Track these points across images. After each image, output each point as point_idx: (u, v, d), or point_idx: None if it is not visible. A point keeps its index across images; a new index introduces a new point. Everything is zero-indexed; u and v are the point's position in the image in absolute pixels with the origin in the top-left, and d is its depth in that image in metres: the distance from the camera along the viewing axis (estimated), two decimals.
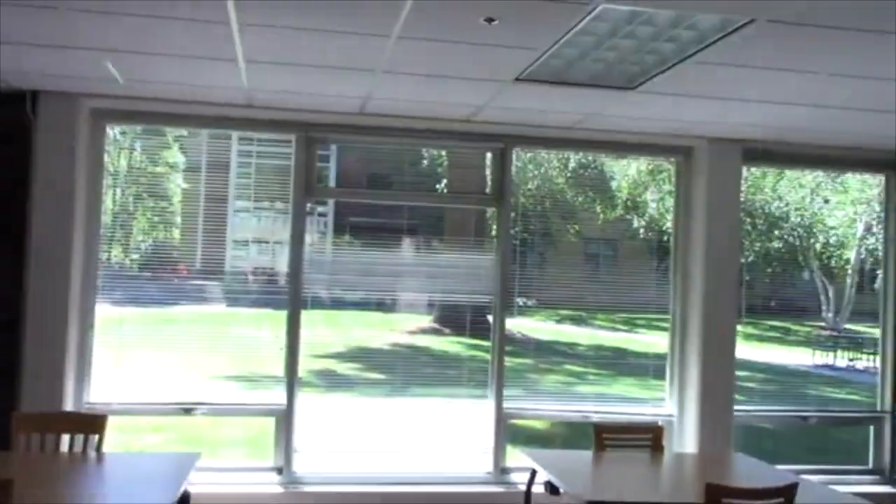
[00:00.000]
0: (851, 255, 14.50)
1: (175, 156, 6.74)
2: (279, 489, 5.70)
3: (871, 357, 10.72)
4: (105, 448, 4.72)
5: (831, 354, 13.70)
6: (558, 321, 7.88)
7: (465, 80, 4.65)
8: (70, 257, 5.38)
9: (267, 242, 6.86)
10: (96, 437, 4.69)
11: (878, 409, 6.59)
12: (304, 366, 5.98)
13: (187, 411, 5.79)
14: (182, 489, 3.94)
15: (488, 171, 6.37)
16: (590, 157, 7.64)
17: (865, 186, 12.53)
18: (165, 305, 6.14)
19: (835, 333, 14.66)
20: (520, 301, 6.49)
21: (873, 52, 3.90)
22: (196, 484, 4.80)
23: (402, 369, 6.48)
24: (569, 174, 7.84)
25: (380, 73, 4.54)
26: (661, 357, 6.43)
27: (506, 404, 6.09)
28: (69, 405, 5.43)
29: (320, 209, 6.82)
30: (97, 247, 5.67)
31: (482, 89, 4.85)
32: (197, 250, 6.43)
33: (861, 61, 4.08)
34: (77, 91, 5.28)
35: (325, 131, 5.90)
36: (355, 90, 4.97)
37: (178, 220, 6.61)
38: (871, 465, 6.56)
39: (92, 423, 4.73)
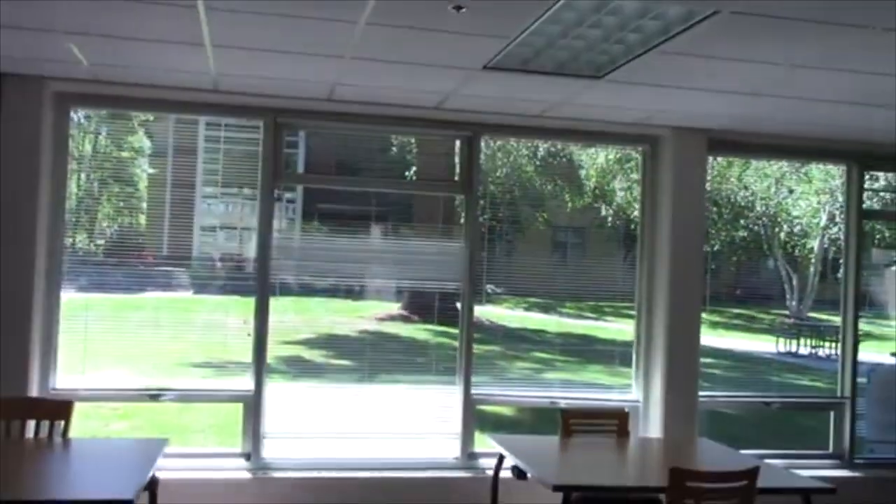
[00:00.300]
0: (815, 244, 14.71)
1: (141, 140, 6.68)
2: (247, 475, 5.70)
3: (833, 345, 10.91)
4: (71, 435, 4.71)
5: (794, 342, 13.94)
6: (527, 308, 7.94)
7: (433, 67, 4.66)
8: (34, 243, 5.31)
9: (235, 229, 6.84)
10: (62, 423, 4.67)
11: (839, 395, 6.70)
12: (273, 352, 5.97)
13: (154, 397, 5.76)
14: (150, 475, 3.95)
15: (457, 159, 6.39)
16: (559, 146, 7.67)
17: (829, 177, 12.71)
18: (132, 292, 6.08)
19: (798, 321, 14.89)
20: (488, 288, 6.52)
21: (835, 44, 3.96)
22: (164, 470, 4.80)
23: (371, 356, 6.49)
24: (538, 162, 7.88)
25: (348, 59, 4.54)
26: (628, 344, 6.49)
27: (474, 390, 6.12)
28: (34, 391, 5.37)
29: (289, 195, 6.80)
30: (62, 232, 5.59)
31: (450, 77, 4.86)
32: (164, 236, 6.38)
33: (823, 53, 4.13)
34: (41, 74, 5.20)
35: (294, 117, 5.86)
36: (323, 76, 4.96)
37: (145, 205, 6.56)
38: (831, 450, 6.67)
39: (58, 409, 4.72)
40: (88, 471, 4.11)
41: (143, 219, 6.58)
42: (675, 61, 4.34)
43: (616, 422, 5.53)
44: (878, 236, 10.90)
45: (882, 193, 9.62)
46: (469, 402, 6.09)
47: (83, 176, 6.04)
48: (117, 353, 5.94)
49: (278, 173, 5.89)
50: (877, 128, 5.84)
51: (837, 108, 5.30)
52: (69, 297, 5.71)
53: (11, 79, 5.21)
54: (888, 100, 4.99)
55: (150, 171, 6.60)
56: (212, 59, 4.65)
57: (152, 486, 4.24)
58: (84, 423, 7.58)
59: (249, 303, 5.90)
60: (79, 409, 4.83)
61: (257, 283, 5.85)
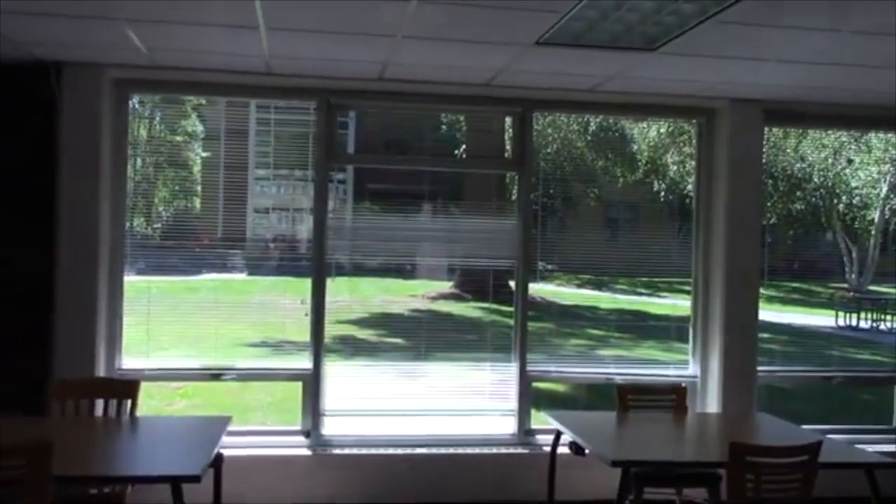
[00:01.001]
0: (875, 215, 14.40)
1: (194, 124, 6.77)
2: (307, 452, 5.80)
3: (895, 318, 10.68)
4: (137, 413, 4.84)
5: (854, 316, 13.68)
6: (579, 285, 7.91)
7: (485, 44, 4.65)
8: (98, 228, 5.44)
9: (287, 210, 6.91)
10: (129, 401, 4.80)
11: None
12: (329, 332, 6.03)
13: (216, 377, 5.88)
14: (215, 451, 4.04)
15: (508, 136, 6.37)
16: (610, 120, 7.61)
17: (889, 146, 12.42)
18: (188, 274, 6.19)
19: (858, 295, 14.61)
20: (541, 265, 6.51)
21: (893, 8, 3.86)
22: (227, 447, 4.91)
23: (425, 334, 6.53)
24: (589, 137, 7.82)
25: (400, 38, 4.54)
26: (683, 319, 6.43)
27: (529, 367, 6.13)
28: (101, 372, 5.52)
29: (339, 176, 6.84)
30: (123, 217, 5.72)
31: (502, 53, 4.84)
32: (218, 219, 6.47)
33: (882, 18, 4.02)
34: (100, 61, 5.30)
35: (346, 97, 5.90)
36: (375, 56, 4.97)
37: (199, 189, 6.66)
38: (895, 425, 6.55)
39: (125, 388, 4.84)
40: (156, 448, 4.21)
41: (197, 202, 6.68)
42: (730, 31, 4.27)
43: (673, 397, 5.50)
44: None
45: None
46: (525, 379, 6.11)
47: (139, 161, 6.13)
48: (178, 333, 6.05)
49: (331, 154, 5.93)
50: None
51: None
52: (131, 280, 5.84)
53: (71, 67, 5.32)
54: None
55: (204, 154, 6.69)
56: (265, 42, 4.70)
57: (218, 462, 4.34)
58: (146, 403, 7.78)
59: (304, 283, 5.97)
60: (142, 388, 4.94)
61: (313, 263, 5.91)
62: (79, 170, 5.37)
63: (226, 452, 4.54)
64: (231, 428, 4.57)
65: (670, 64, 4.99)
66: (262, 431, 6.03)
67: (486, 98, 5.93)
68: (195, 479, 3.47)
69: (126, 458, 4.08)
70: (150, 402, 7.94)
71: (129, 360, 5.73)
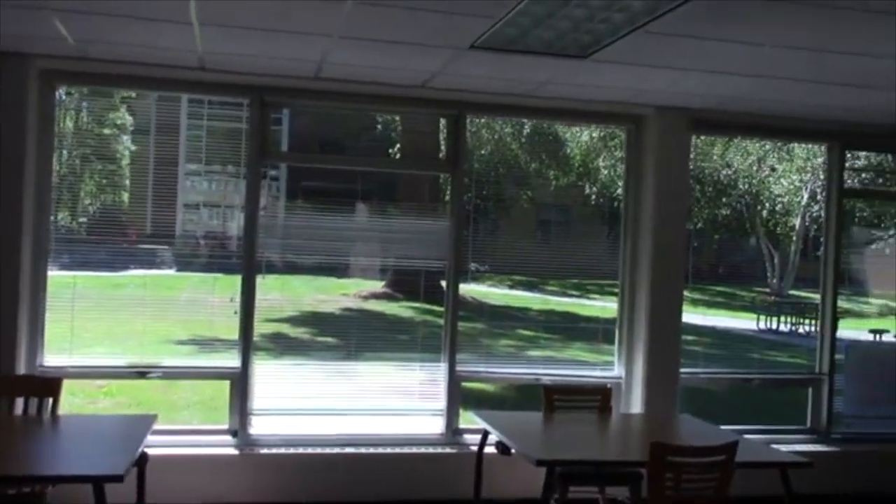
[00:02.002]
0: (796, 222, 14.86)
1: (123, 117, 6.64)
2: (235, 451, 5.75)
3: (813, 322, 11.06)
4: (59, 412, 4.74)
5: (775, 319, 14.10)
6: (511, 286, 7.99)
7: (421, 46, 4.68)
8: (21, 222, 5.30)
9: (219, 207, 6.83)
10: (51, 400, 4.70)
11: (817, 371, 6.81)
12: (258, 330, 5.97)
13: (142, 375, 5.78)
14: (139, 451, 3.99)
15: (442, 137, 6.41)
16: (544, 124, 7.70)
17: (811, 155, 12.83)
18: (116, 270, 6.08)
19: (779, 299, 15.06)
20: (473, 266, 6.56)
21: (816, 24, 4.01)
22: (152, 446, 4.84)
23: (356, 334, 6.53)
24: (523, 140, 7.90)
25: (336, 38, 4.55)
26: (611, 322, 6.55)
27: (458, 367, 6.18)
28: (23, 369, 5.39)
29: (272, 173, 6.79)
30: (48, 211, 5.58)
31: (438, 56, 4.87)
32: (147, 214, 6.36)
33: (805, 33, 4.19)
34: (27, 51, 5.17)
35: (280, 95, 5.85)
36: (311, 54, 4.96)
37: (128, 183, 6.54)
38: (809, 425, 6.79)
39: (47, 386, 4.74)
40: (78, 447, 4.13)
41: (126, 196, 6.56)
42: (660, 41, 4.38)
43: (598, 398, 5.61)
44: (858, 215, 10.98)
45: (863, 174, 9.74)
46: (454, 379, 6.15)
47: (65, 153, 6.00)
48: (104, 330, 5.94)
49: (264, 151, 5.88)
50: (858, 108, 5.92)
51: (820, 89, 5.35)
52: (54, 276, 5.70)
53: None
54: (870, 80, 5.06)
55: (133, 148, 6.57)
56: (199, 37, 4.65)
57: (141, 462, 4.29)
58: (70, 401, 7.62)
59: (234, 280, 5.90)
60: (65, 386, 4.85)
61: (243, 260, 5.85)
62: (2, 161, 5.23)
63: (151, 452, 4.49)
64: (157, 427, 4.52)
65: (601, 71, 5.09)
66: (188, 430, 5.94)
67: (421, 100, 5.96)
68: (118, 479, 3.42)
69: (46, 458, 3.99)
70: (73, 401, 7.78)
71: (52, 358, 5.59)
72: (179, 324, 6.33)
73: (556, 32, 4.34)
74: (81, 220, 6.13)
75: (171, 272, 6.47)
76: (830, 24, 3.98)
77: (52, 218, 5.66)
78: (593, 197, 8.05)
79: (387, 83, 5.67)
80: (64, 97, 6.04)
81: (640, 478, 4.83)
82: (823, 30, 4.07)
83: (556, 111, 6.26)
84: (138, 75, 5.55)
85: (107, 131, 6.45)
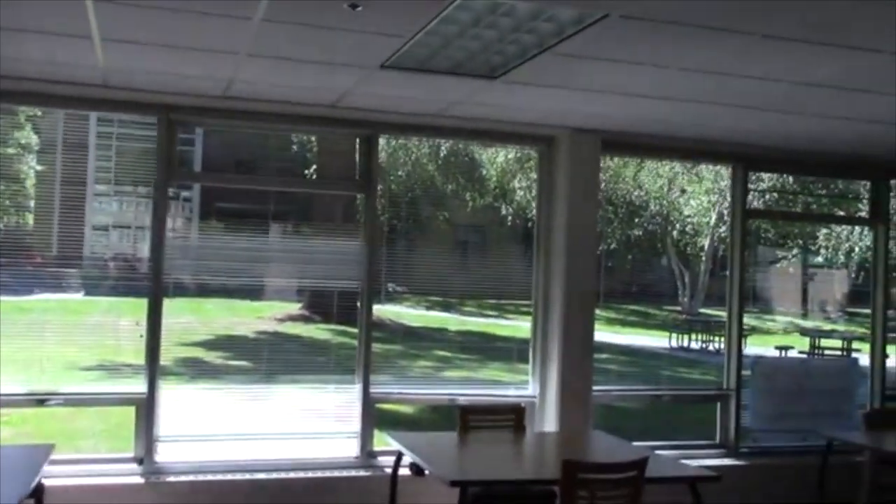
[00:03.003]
0: (705, 242, 15.29)
1: (28, 136, 6.45)
2: (140, 479, 5.55)
3: (721, 339, 11.36)
4: None
5: (686, 337, 14.45)
6: (428, 307, 7.99)
7: (330, 65, 4.64)
8: None
9: (129, 228, 6.66)
10: None
11: (725, 387, 6.96)
12: (169, 354, 5.84)
13: (41, 402, 5.57)
14: (35, 482, 3.81)
15: (357, 158, 6.38)
16: (460, 145, 7.74)
17: (718, 177, 13.23)
18: (19, 294, 5.84)
19: (690, 317, 15.44)
20: (389, 287, 6.52)
21: (720, 49, 4.12)
22: (53, 476, 4.66)
23: (270, 356, 6.43)
24: (439, 161, 7.93)
25: (244, 55, 4.48)
26: (525, 341, 6.58)
27: (373, 389, 6.11)
28: None
29: (185, 194, 6.66)
30: None
31: (348, 75, 4.85)
32: (53, 236, 6.15)
33: (710, 57, 4.29)
34: None
35: (188, 114, 5.73)
36: (218, 72, 4.87)
37: (32, 204, 6.33)
38: (718, 440, 6.93)
39: None
40: None
41: (30, 218, 6.35)
42: (568, 63, 4.44)
43: (513, 417, 5.62)
44: (763, 235, 11.30)
45: (766, 194, 10.07)
46: (368, 401, 6.08)
47: None
48: (3, 357, 5.70)
49: (172, 171, 5.74)
50: (759, 130, 6.12)
51: (724, 111, 5.51)
52: None
53: None
54: (769, 103, 5.24)
55: (39, 167, 6.37)
56: (100, 54, 4.52)
57: (38, 493, 4.10)
58: None
59: (144, 304, 5.73)
60: None
61: (150, 283, 5.69)
62: None
63: (51, 482, 4.30)
64: (58, 456, 4.35)
65: (512, 92, 5.13)
66: (91, 459, 5.72)
67: (334, 119, 5.92)
68: None
69: None
70: None
71: None
72: (86, 349, 6.12)
73: (466, 53, 4.37)
74: None
75: (79, 296, 6.26)
76: (732, 48, 4.09)
77: None
78: (509, 218, 8.12)
79: (298, 102, 5.61)
80: None
81: (554, 496, 4.83)
82: (725, 53, 4.19)
83: (470, 131, 6.30)
84: (40, 92, 5.36)
85: (11, 150, 6.22)
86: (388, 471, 5.41)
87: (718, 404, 6.98)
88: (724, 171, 11.19)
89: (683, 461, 5.29)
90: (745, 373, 6.96)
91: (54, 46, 4.46)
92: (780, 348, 12.04)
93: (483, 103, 5.51)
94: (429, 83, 4.94)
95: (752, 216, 7.33)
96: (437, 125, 6.11)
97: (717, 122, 5.92)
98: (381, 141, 6.26)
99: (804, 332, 14.18)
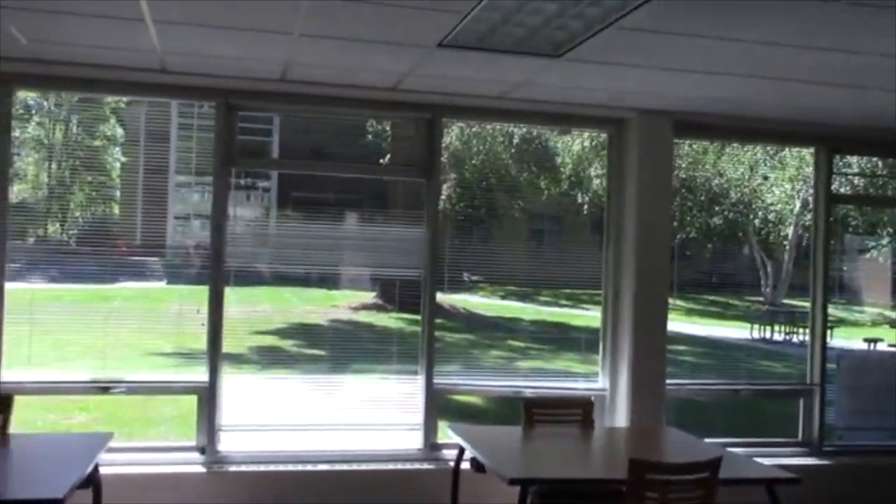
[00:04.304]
0: (789, 231, 14.74)
1: (113, 128, 6.55)
2: (201, 469, 5.52)
3: (806, 331, 10.85)
4: (24, 429, 4.53)
5: (769, 328, 13.95)
6: (503, 297, 7.85)
7: (386, 44, 4.48)
8: None
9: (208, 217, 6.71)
10: (2, 417, 4.48)
11: (808, 381, 6.60)
12: (236, 343, 5.84)
13: (105, 390, 5.57)
14: (88, 471, 3.77)
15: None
16: (534, 133, 7.56)
17: (803, 163, 12.70)
18: (104, 282, 5.90)
19: (772, 308, 14.92)
20: (465, 277, 6.40)
21: (801, 19, 3.82)
22: (112, 465, 4.65)
23: (340, 346, 6.37)
24: (513, 150, 7.77)
25: (297, 36, 4.35)
26: (597, 332, 6.36)
27: (437, 380, 5.97)
28: None
29: (263, 184, 6.67)
30: (4, 221, 5.35)
31: (405, 55, 4.67)
32: (137, 225, 6.27)
33: (790, 29, 4.00)
34: None
35: (247, 98, 5.66)
36: (274, 54, 4.76)
37: (118, 194, 6.43)
38: (800, 438, 6.58)
39: None
40: (23, 468, 3.93)
41: (116, 207, 6.45)
42: (635, 38, 4.19)
43: (580, 411, 5.41)
44: (852, 223, 10.85)
45: (855, 178, 9.58)
46: (431, 393, 5.94)
47: (54, 164, 5.94)
48: (77, 345, 5.79)
49: (231, 157, 5.68)
50: (848, 109, 5.73)
51: (805, 89, 5.16)
52: (30, 288, 5.59)
53: None
54: (861, 80, 4.87)
55: (123, 159, 6.48)
56: (155, 37, 4.45)
57: (95, 483, 4.08)
58: (43, 417, 7.43)
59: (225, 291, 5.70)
60: (41, 401, 4.64)
61: (211, 271, 5.65)
62: None
63: (109, 471, 4.28)
64: (121, 444, 4.33)
65: (577, 71, 4.90)
66: (153, 448, 5.71)
67: (395, 103, 5.79)
68: (56, 502, 3.20)
69: None
70: (48, 416, 7.58)
71: (9, 373, 5.36)
72: (162, 337, 6.18)
73: (526, 29, 4.15)
74: (71, 231, 6.05)
75: (161, 284, 6.30)
76: (819, 18, 3.78)
77: (39, 230, 5.53)
78: (585, 206, 7.94)
79: (357, 85, 5.47)
80: (53, 108, 6.04)
81: (622, 496, 4.61)
82: (811, 23, 3.88)
83: (534, 114, 6.10)
84: (98, 78, 5.36)
85: (97, 143, 6.34)
86: (452, 465, 5.25)
87: (801, 400, 6.62)
88: (809, 157, 10.72)
89: (761, 460, 4.98)
90: (831, 366, 6.58)
91: (109, 30, 4.41)
92: (868, 341, 11.52)
93: (547, 84, 5.27)
94: (489, 63, 4.74)
95: (837, 202, 6.92)
96: (500, 108, 5.90)
97: (798, 101, 5.56)
98: (455, 130, 6.10)
99: (894, 323, 13.56)
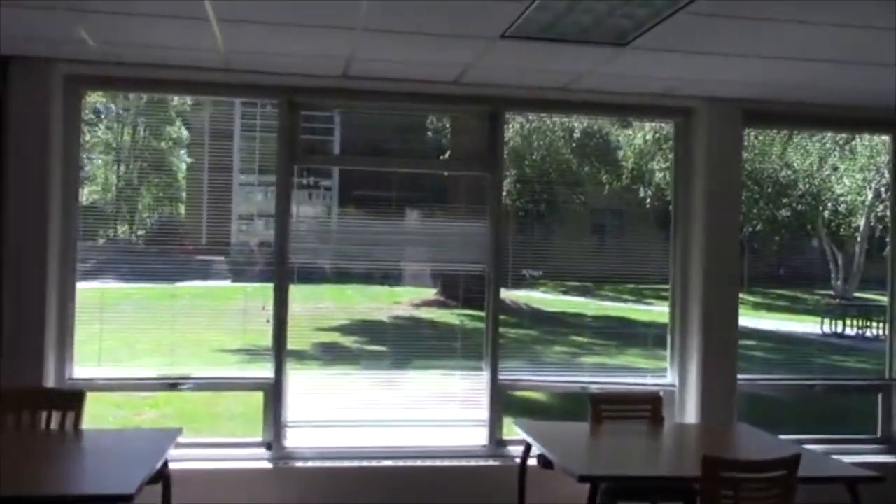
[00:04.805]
0: (861, 222, 14.31)
1: (178, 131, 6.65)
2: (268, 465, 5.56)
3: (881, 325, 10.51)
4: (96, 424, 4.60)
5: (840, 322, 13.56)
6: (565, 292, 7.75)
7: (449, 37, 4.44)
8: (46, 233, 5.18)
9: (272, 216, 6.76)
10: (73, 413, 4.55)
11: (887, 376, 6.37)
12: (302, 339, 5.86)
13: (173, 386, 5.65)
14: (157, 467, 3.80)
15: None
16: (595, 127, 7.46)
17: (874, 153, 12.32)
18: (172, 281, 6.01)
19: (844, 301, 14.50)
20: (526, 273, 6.33)
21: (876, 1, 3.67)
22: (182, 461, 4.69)
23: (403, 342, 6.36)
24: (574, 144, 7.68)
25: (360, 31, 4.33)
26: (663, 327, 6.24)
27: (503, 376, 5.91)
28: (51, 382, 5.27)
29: (325, 182, 6.69)
30: (75, 222, 5.46)
31: (468, 47, 4.63)
32: (202, 225, 6.33)
33: (864, 11, 3.85)
34: (50, 56, 5.06)
35: (310, 96, 5.67)
36: (336, 50, 4.76)
37: (183, 195, 6.53)
38: (879, 435, 6.36)
39: (69, 400, 4.59)
40: (94, 464, 3.97)
41: (182, 208, 6.55)
42: (703, 23, 4.08)
43: (649, 407, 5.29)
44: None
45: None
46: (496, 388, 5.88)
47: (122, 166, 6.07)
48: (146, 342, 5.88)
49: (295, 154, 5.70)
50: None
51: (880, 72, 4.95)
52: (100, 287, 5.67)
53: (20, 61, 5.07)
54: None
55: (189, 160, 6.58)
56: (219, 36, 4.48)
57: (165, 478, 4.12)
58: (114, 412, 7.57)
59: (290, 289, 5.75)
60: (110, 397, 4.71)
61: (276, 268, 5.69)
62: (26, 172, 5.11)
63: (178, 466, 4.32)
64: (190, 440, 4.37)
65: (642, 60, 4.79)
66: (221, 444, 5.76)
67: (457, 97, 5.73)
68: (128, 498, 3.22)
69: (58, 476, 3.79)
70: (119, 412, 7.72)
71: (80, 369, 5.47)
72: (229, 333, 6.22)
73: (592, 17, 4.07)
74: (140, 232, 6.18)
75: (226, 283, 6.38)
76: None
77: (109, 230, 5.66)
78: (648, 200, 7.81)
79: (419, 80, 5.44)
80: (121, 111, 6.15)
81: (695, 494, 4.50)
82: (879, 6, 3.72)
83: (599, 105, 6.00)
84: (164, 78, 5.42)
85: (163, 145, 6.46)
86: (518, 461, 5.19)
87: (880, 395, 6.39)
88: (881, 146, 10.36)
89: (839, 457, 4.81)
90: None
91: (173, 30, 4.45)
92: None
93: (612, 74, 5.17)
94: (553, 53, 4.66)
95: None
96: (564, 100, 5.81)
97: (873, 86, 5.34)
98: (516, 125, 6.04)
99: None
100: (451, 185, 6.74)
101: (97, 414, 5.96)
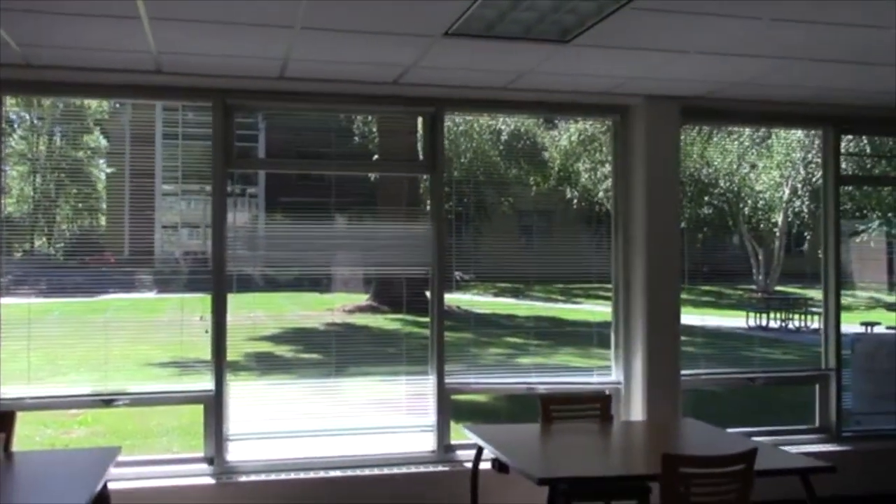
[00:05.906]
0: (779, 218, 14.71)
1: (97, 140, 6.43)
2: (210, 480, 5.36)
3: (802, 317, 10.81)
4: (23, 446, 4.36)
5: (764, 316, 13.92)
6: (496, 294, 7.73)
7: (391, 35, 4.34)
8: None
9: (198, 226, 6.55)
10: (3, 435, 4.30)
11: (823, 367, 6.51)
12: (240, 350, 5.71)
13: (107, 403, 5.40)
14: (98, 487, 3.61)
15: (419, 138, 6.11)
16: (522, 129, 7.46)
17: (789, 149, 12.69)
18: (93, 294, 5.81)
19: (766, 296, 14.89)
20: (457, 275, 6.27)
21: None
22: (120, 479, 4.49)
23: (340, 349, 6.21)
24: (501, 147, 7.68)
25: (298, 30, 4.20)
26: (603, 325, 6.26)
27: (447, 380, 5.84)
28: None
29: (251, 190, 6.56)
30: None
31: (410, 46, 4.54)
32: (124, 236, 6.16)
33: (800, 7, 3.91)
34: None
35: (245, 98, 5.51)
36: (273, 51, 4.61)
37: (104, 205, 6.30)
38: (817, 424, 6.49)
39: None
40: (32, 489, 3.74)
41: (102, 219, 6.32)
42: (646, 19, 4.08)
43: (598, 406, 5.28)
44: (843, 207, 10.77)
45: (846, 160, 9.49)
46: (443, 393, 5.81)
47: (38, 177, 5.88)
48: (76, 358, 5.67)
49: (230, 159, 5.52)
50: (855, 87, 5.62)
51: (816, 67, 5.06)
52: (22, 303, 5.42)
53: None
54: (869, 56, 4.77)
55: (108, 170, 6.35)
56: (150, 35, 4.29)
57: (104, 499, 3.92)
58: (42, 432, 7.24)
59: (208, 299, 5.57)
60: (37, 417, 4.48)
61: (213, 278, 5.50)
62: None
63: (118, 486, 4.12)
64: (127, 458, 4.17)
65: (584, 57, 4.78)
66: (160, 460, 5.55)
67: (396, 97, 5.65)
68: None
69: None
70: (46, 432, 7.40)
71: (8, 388, 5.19)
72: (158, 347, 6.04)
73: (536, 14, 4.03)
74: (58, 244, 5.98)
75: (151, 294, 6.15)
76: None
77: (26, 244, 5.44)
78: (575, 201, 7.86)
79: (358, 80, 5.33)
80: (36, 122, 5.97)
81: (649, 491, 4.50)
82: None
83: (538, 104, 5.97)
84: (91, 82, 5.19)
85: (81, 154, 6.22)
86: (469, 465, 5.11)
87: (817, 385, 6.53)
88: (796, 143, 10.65)
89: (785, 448, 4.88)
90: (845, 352, 6.49)
91: (102, 30, 4.25)
92: (865, 324, 11.48)
93: (553, 72, 5.15)
94: (496, 51, 4.61)
95: (846, 182, 6.82)
96: (504, 99, 5.78)
97: (807, 81, 5.45)
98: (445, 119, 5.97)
99: (890, 307, 13.54)
100: (381, 187, 6.67)
101: (23, 434, 5.67)
